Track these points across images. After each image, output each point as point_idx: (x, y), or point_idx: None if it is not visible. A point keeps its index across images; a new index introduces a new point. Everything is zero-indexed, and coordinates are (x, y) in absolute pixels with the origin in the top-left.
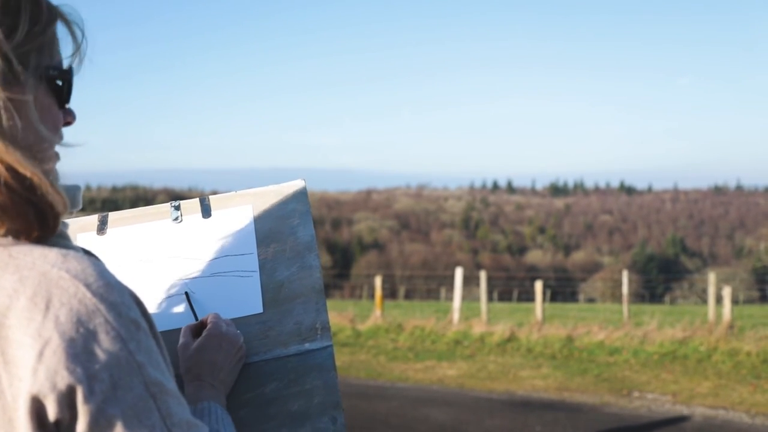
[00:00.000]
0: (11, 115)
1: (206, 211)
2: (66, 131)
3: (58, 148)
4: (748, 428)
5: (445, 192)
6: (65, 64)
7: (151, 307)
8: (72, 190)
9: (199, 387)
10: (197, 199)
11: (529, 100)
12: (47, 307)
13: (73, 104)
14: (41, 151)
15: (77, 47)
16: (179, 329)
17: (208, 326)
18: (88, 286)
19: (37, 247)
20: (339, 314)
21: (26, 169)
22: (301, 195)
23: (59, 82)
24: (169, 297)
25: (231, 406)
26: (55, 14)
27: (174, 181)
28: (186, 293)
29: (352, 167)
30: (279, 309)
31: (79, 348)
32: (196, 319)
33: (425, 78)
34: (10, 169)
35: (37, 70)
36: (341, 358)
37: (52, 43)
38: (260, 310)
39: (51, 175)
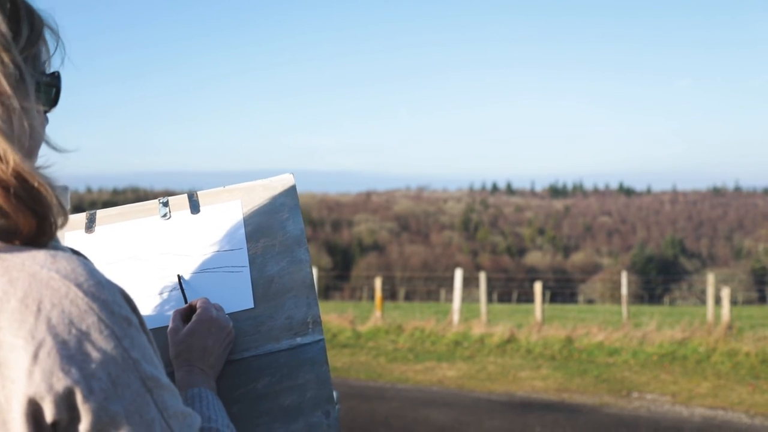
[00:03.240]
0: (22, 123)
1: (195, 207)
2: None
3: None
4: (747, 428)
5: (445, 194)
6: (48, 70)
7: (142, 304)
8: (60, 192)
9: (190, 372)
10: (185, 195)
11: (527, 101)
12: (39, 309)
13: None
14: (37, 157)
15: (54, 53)
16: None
17: (198, 311)
18: (79, 285)
19: (25, 249)
20: (339, 315)
21: (35, 179)
22: (290, 189)
23: (48, 89)
24: (159, 294)
25: (223, 402)
26: (43, 21)
27: (174, 183)
28: (179, 276)
29: (352, 169)
30: (270, 304)
31: (73, 349)
32: (186, 302)
33: (423, 79)
34: (21, 179)
35: (33, 77)
36: (341, 360)
37: (41, 50)
38: (251, 305)
39: (56, 188)
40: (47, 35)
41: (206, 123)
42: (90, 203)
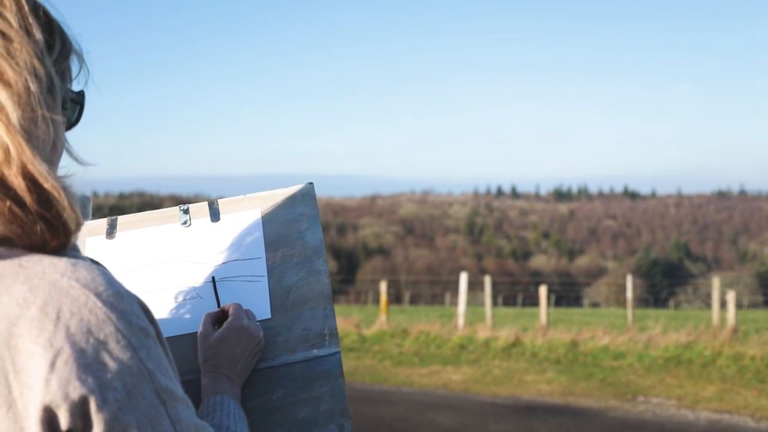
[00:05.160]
0: (47, 132)
1: (215, 215)
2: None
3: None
4: None
5: (450, 197)
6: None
7: (160, 312)
8: (82, 201)
9: (216, 379)
10: (206, 203)
11: (532, 105)
12: (58, 317)
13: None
14: (57, 167)
15: (77, 75)
16: (187, 334)
17: (230, 318)
18: (98, 295)
19: (46, 257)
20: (344, 319)
21: (48, 182)
22: (310, 199)
23: (74, 105)
24: (177, 301)
25: None
26: (72, 42)
27: (180, 188)
28: (213, 278)
29: (357, 173)
30: (287, 315)
31: (90, 358)
32: (218, 306)
33: (427, 83)
34: (32, 180)
35: (61, 91)
36: (347, 363)
37: (69, 69)
38: (268, 315)
39: (70, 192)
40: (74, 58)
41: (211, 127)
42: (96, 208)
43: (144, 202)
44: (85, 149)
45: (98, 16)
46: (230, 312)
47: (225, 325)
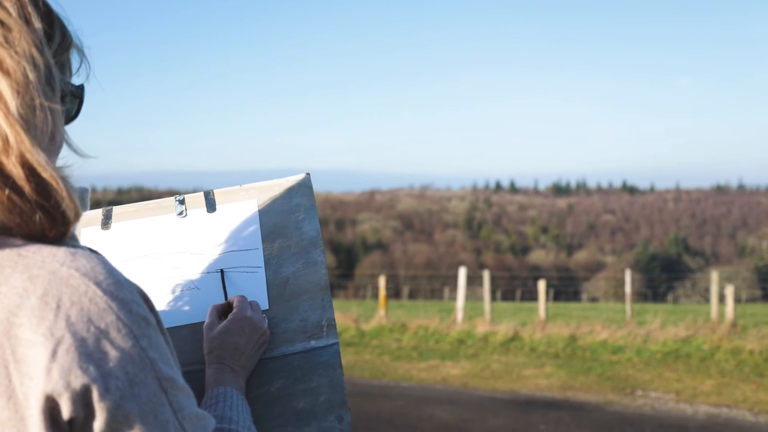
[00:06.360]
0: (45, 122)
1: (211, 206)
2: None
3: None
4: (751, 426)
5: (448, 192)
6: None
7: (157, 303)
8: (81, 192)
9: (220, 370)
10: (201, 193)
11: (531, 100)
12: (58, 306)
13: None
14: (56, 158)
15: (78, 70)
16: (185, 325)
17: (234, 309)
18: (98, 284)
19: (45, 246)
20: (343, 314)
21: (46, 171)
22: (306, 189)
23: (73, 99)
24: (174, 292)
25: None
26: (72, 37)
27: (179, 183)
28: (221, 270)
29: (356, 168)
30: (284, 305)
31: (91, 347)
32: (226, 298)
33: (426, 78)
34: (31, 169)
35: (60, 84)
36: (346, 358)
37: (69, 62)
38: (266, 306)
39: (68, 182)
40: (74, 52)
41: (210, 122)
42: (94, 203)
43: (142, 197)
44: (83, 144)
45: (96, 12)
46: (234, 303)
47: (229, 316)
